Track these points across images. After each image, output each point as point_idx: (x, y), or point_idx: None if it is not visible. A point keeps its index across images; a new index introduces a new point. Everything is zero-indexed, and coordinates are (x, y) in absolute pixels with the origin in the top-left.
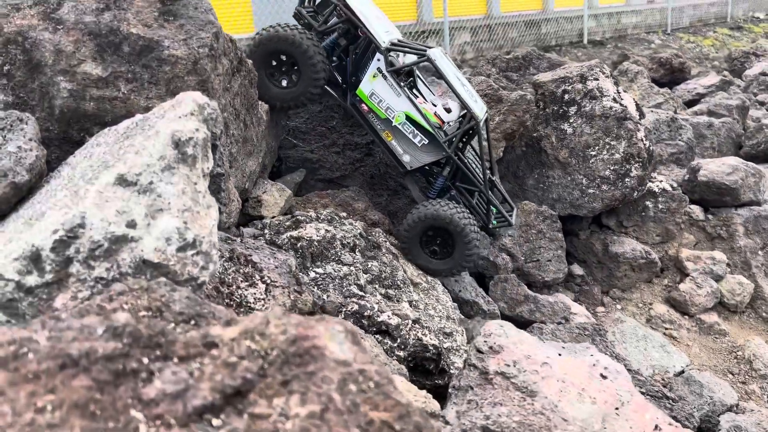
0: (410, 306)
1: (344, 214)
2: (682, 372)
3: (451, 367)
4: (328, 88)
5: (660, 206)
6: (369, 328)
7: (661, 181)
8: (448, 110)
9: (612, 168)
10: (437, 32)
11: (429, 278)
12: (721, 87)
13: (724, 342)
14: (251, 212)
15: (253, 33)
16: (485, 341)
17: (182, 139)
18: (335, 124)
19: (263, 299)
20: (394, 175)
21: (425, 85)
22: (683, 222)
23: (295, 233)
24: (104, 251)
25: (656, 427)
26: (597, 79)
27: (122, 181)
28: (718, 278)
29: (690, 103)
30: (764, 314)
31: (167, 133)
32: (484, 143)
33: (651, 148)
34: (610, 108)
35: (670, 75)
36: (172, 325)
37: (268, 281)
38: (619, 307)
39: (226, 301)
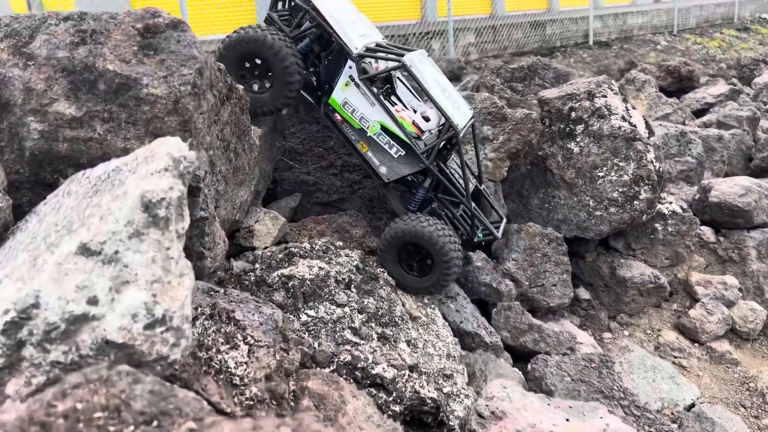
0: (408, 346)
1: (340, 243)
2: (693, 405)
3: (451, 417)
4: (304, 93)
5: (670, 229)
6: (362, 381)
7: (671, 203)
8: (427, 119)
9: (620, 190)
10: (441, 33)
11: (429, 311)
12: (730, 96)
13: (736, 372)
14: (243, 243)
15: None
16: (487, 405)
17: (153, 201)
18: (333, 144)
19: (245, 363)
20: None
21: (410, 90)
22: (693, 244)
23: (286, 271)
24: (61, 333)
25: None
26: (605, 96)
27: (85, 250)
28: (730, 304)
29: (699, 113)
30: None
31: (136, 195)
32: (472, 152)
33: (661, 169)
34: (619, 128)
35: (678, 83)
36: (131, 428)
37: (252, 341)
38: (626, 333)
39: (204, 368)
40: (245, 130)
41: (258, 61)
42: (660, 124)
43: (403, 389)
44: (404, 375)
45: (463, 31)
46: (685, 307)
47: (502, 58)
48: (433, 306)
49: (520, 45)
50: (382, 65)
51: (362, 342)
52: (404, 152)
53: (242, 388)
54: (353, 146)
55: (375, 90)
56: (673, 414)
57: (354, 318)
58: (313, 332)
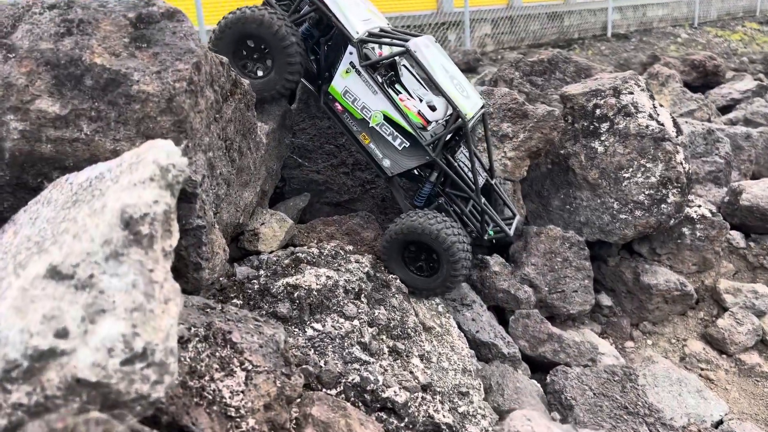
0: (421, 361)
1: (350, 248)
2: (721, 422)
3: None
4: (305, 81)
5: (698, 233)
6: (372, 405)
7: (699, 206)
8: (433, 108)
9: (647, 192)
10: (457, 24)
11: (443, 320)
12: (757, 92)
13: (767, 386)
14: (247, 246)
15: None
16: None
17: (134, 217)
18: (344, 141)
19: (242, 392)
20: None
21: (416, 78)
22: (722, 249)
23: (292, 280)
24: (23, 372)
25: None
26: (632, 93)
27: (55, 273)
28: (761, 314)
29: (724, 109)
30: None
31: (115, 210)
32: (484, 143)
33: (690, 171)
34: (647, 126)
35: (703, 78)
36: None
37: (250, 367)
38: (649, 342)
39: (196, 399)
40: (251, 127)
41: (256, 44)
42: (686, 122)
43: (416, 414)
44: (417, 398)
45: (480, 22)
46: (713, 315)
47: (518, 50)
48: (448, 315)
49: (537, 37)
50: (386, 52)
51: (372, 360)
52: (409, 144)
53: (238, 420)
54: (354, 138)
55: (378, 78)
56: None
57: (364, 332)
58: (319, 349)
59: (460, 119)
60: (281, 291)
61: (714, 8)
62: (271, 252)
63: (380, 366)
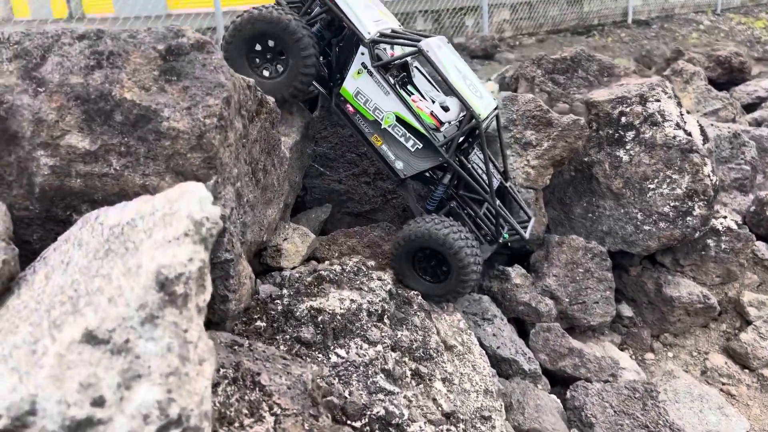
0: (444, 384)
1: (372, 263)
2: None
3: None
4: (316, 84)
5: (723, 246)
6: None
7: (725, 217)
8: (446, 109)
9: (672, 204)
10: (475, 9)
11: (464, 337)
12: None
13: None
14: (269, 262)
15: None
16: None
17: (170, 277)
18: (366, 150)
19: None
20: None
21: (428, 79)
22: (747, 261)
23: (316, 304)
24: None
25: None
26: (659, 101)
27: (91, 338)
28: None
29: (749, 107)
30: None
31: (151, 271)
32: (497, 144)
33: (717, 183)
34: (674, 137)
35: (728, 75)
36: None
37: (278, 411)
38: (670, 354)
39: None
40: (275, 144)
41: (270, 43)
42: (711, 124)
43: None
44: (442, 431)
45: (498, 7)
46: (735, 328)
47: (537, 36)
48: (469, 332)
49: (556, 23)
50: (398, 53)
51: (396, 390)
52: (422, 145)
53: None
54: (366, 140)
55: (390, 78)
56: None
57: (387, 358)
58: (343, 378)
59: (473, 120)
60: (305, 314)
61: None
62: (293, 268)
63: (405, 398)
